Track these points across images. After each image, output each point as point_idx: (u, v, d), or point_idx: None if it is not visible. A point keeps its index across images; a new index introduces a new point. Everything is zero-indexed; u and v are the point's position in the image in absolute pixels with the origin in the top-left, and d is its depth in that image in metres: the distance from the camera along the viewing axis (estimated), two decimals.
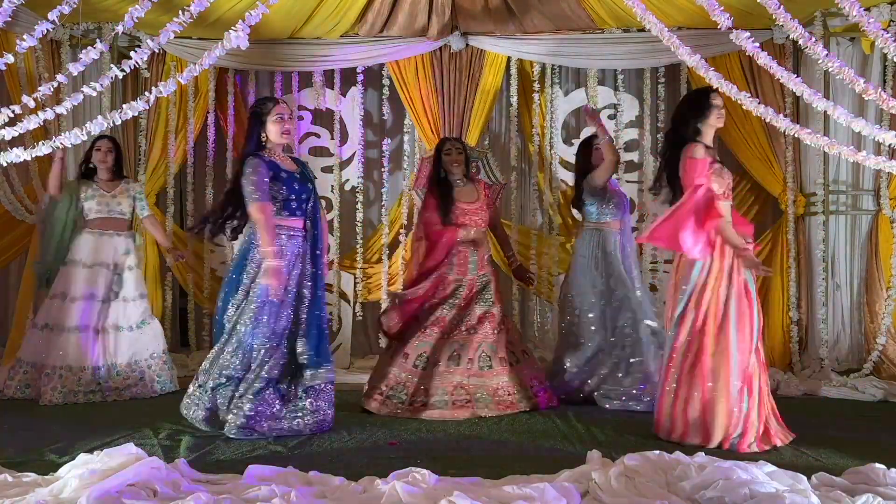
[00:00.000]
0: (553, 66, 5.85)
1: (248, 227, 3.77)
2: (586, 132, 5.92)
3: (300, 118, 6.09)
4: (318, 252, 3.84)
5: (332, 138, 6.06)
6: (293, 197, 3.77)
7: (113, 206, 4.81)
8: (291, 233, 3.78)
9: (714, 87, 3.66)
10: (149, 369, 4.78)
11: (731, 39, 3.62)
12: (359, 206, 5.98)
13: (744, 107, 3.79)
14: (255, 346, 3.66)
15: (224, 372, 3.68)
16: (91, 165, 4.86)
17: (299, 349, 3.74)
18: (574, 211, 5.78)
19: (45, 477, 2.74)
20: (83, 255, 4.73)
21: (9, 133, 3.67)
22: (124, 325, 4.76)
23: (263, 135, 3.76)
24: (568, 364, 4.60)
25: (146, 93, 3.72)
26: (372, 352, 6.03)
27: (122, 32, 3.91)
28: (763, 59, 3.57)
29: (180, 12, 3.57)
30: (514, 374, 4.35)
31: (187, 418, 3.77)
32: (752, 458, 3.07)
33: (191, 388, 3.80)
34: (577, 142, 5.94)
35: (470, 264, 4.43)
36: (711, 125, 3.59)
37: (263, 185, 3.64)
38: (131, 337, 4.77)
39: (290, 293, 3.74)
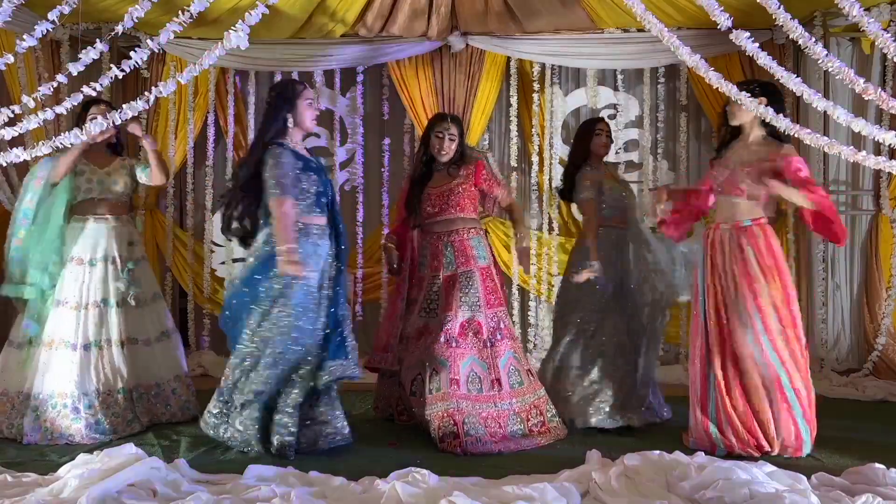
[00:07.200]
0: (553, 66, 5.85)
1: (270, 228, 3.40)
2: None
3: None
4: (343, 247, 3.55)
5: (332, 138, 6.05)
6: (321, 190, 3.47)
7: (108, 184, 4.01)
8: (321, 231, 3.48)
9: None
10: (173, 394, 4.00)
11: (731, 39, 3.61)
12: (359, 206, 5.98)
13: (744, 107, 3.79)
14: (292, 356, 3.38)
15: (255, 387, 3.37)
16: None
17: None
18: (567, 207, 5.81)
19: (45, 477, 2.74)
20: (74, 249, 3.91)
21: (9, 133, 3.67)
22: (139, 336, 3.96)
23: (291, 119, 3.47)
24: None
25: (146, 93, 3.71)
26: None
27: (122, 32, 3.90)
28: (763, 59, 3.56)
29: (180, 12, 3.56)
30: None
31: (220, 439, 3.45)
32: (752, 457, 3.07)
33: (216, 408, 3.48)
34: None
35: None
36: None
37: (285, 179, 3.28)
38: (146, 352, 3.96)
39: (324, 296, 3.45)
